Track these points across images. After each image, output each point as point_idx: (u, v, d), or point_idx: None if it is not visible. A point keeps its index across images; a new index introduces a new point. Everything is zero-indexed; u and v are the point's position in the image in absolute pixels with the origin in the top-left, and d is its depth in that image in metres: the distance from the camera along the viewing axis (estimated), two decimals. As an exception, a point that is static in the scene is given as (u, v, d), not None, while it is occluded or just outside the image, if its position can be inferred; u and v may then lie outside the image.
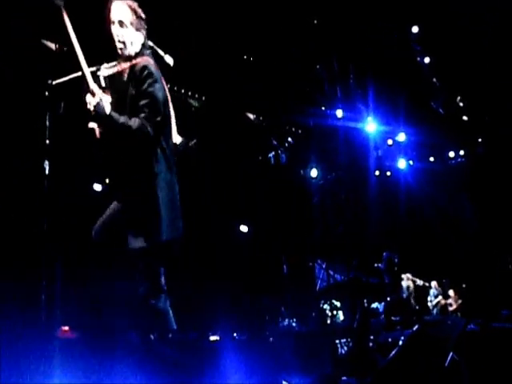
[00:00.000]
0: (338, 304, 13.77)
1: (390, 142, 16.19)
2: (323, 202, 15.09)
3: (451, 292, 15.50)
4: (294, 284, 13.12)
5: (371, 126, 15.06)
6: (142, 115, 4.53)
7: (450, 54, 13.30)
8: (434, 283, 15.72)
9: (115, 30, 4.63)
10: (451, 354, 5.85)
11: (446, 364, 5.81)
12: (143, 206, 4.60)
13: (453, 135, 15.99)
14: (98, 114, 4.48)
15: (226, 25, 10.57)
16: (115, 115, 4.52)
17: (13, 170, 7.88)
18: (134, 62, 4.68)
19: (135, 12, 4.69)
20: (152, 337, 4.12)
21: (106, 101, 4.53)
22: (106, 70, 4.75)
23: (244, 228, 12.92)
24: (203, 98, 12.13)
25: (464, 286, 15.69)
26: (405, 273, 14.93)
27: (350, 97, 14.36)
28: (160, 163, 4.70)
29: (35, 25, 7.83)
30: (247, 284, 11.21)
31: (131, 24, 4.66)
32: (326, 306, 13.62)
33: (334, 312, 13.63)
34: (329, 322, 13.39)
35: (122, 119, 4.51)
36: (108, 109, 4.52)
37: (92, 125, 4.67)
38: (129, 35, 4.67)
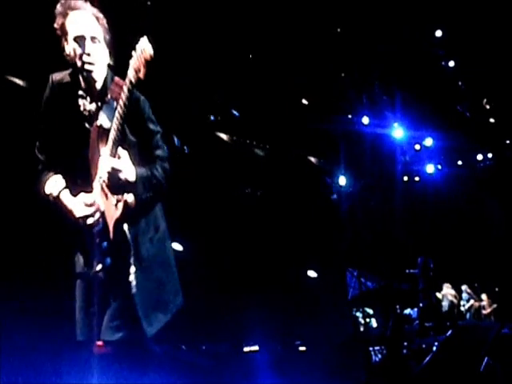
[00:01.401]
0: (370, 311, 13.75)
1: (417, 147, 16.15)
2: (352, 210, 15.06)
3: (484, 296, 15.40)
4: (326, 293, 13.11)
5: (398, 131, 15.03)
6: (159, 160, 3.77)
7: (475, 56, 13.25)
8: (464, 287, 15.65)
9: (85, 46, 3.66)
10: (486, 358, 5.84)
11: (482, 369, 5.78)
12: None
13: (480, 138, 15.90)
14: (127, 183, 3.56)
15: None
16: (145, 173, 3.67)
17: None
18: (115, 88, 3.66)
19: (104, 24, 3.82)
20: (184, 348, 4.06)
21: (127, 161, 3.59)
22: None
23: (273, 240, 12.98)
24: (267, 147, 12.34)
25: (497, 289, 15.59)
26: (445, 282, 14.96)
27: (376, 103, 14.36)
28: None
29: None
30: (279, 295, 11.23)
31: (104, 39, 3.77)
32: (358, 314, 13.61)
33: (367, 319, 13.61)
34: (362, 329, 13.37)
35: (151, 173, 3.69)
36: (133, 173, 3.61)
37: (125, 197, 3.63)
38: (102, 53, 3.76)
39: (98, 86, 3.77)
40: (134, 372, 3.54)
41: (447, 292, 15.25)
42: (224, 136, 11.83)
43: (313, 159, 13.53)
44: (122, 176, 3.50)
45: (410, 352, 9.73)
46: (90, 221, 3.59)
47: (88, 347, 3.48)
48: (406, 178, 16.86)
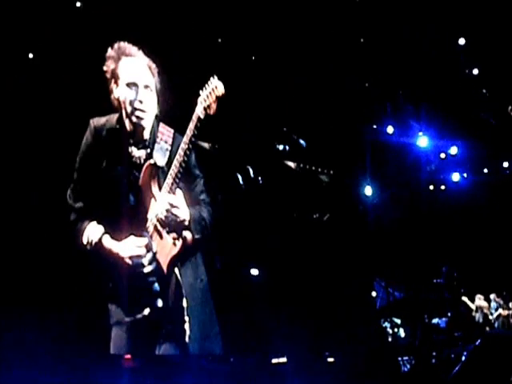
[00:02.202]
0: (398, 321, 13.69)
1: (442, 155, 16.09)
2: (378, 220, 15.02)
3: (512, 305, 15.28)
4: (354, 303, 13.08)
5: (423, 140, 14.99)
6: (204, 204, 3.84)
7: (499, 63, 13.21)
8: (493, 296, 15.53)
9: (138, 93, 3.62)
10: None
11: (511, 379, 5.76)
12: None
13: (506, 146, 15.81)
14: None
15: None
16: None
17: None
18: (164, 131, 3.75)
19: (156, 73, 3.83)
20: (206, 361, 4.02)
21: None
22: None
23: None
24: (331, 172, 12.58)
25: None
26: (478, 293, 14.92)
27: (401, 112, 14.35)
28: None
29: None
30: (308, 306, 11.24)
31: (155, 88, 3.78)
32: (386, 324, 13.55)
33: (395, 329, 13.55)
34: (390, 339, 13.31)
35: (200, 215, 3.74)
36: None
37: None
38: (153, 101, 3.76)
39: (146, 133, 3.78)
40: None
41: (481, 304, 15.17)
42: (292, 164, 12.25)
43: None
44: (179, 213, 3.54)
45: (439, 362, 9.69)
46: (144, 261, 3.53)
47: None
48: (431, 187, 16.79)
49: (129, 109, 3.64)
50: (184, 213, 3.56)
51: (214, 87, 3.45)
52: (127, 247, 3.59)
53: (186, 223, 3.58)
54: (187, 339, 3.52)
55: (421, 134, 14.92)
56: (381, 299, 14.64)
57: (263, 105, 10.52)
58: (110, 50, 3.74)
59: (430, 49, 12.58)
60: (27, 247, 7.05)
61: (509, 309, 15.29)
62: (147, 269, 3.50)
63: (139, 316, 3.48)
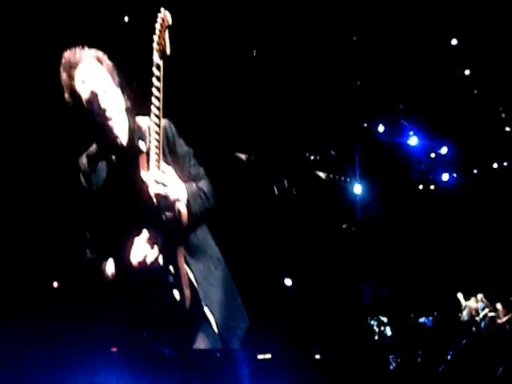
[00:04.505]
0: (385, 320, 13.73)
1: (432, 155, 16.14)
2: (366, 218, 15.06)
3: (499, 305, 15.34)
4: (340, 301, 13.13)
5: (413, 140, 15.05)
6: (198, 178, 3.53)
7: (490, 65, 13.26)
8: (480, 296, 15.61)
9: (99, 102, 3.29)
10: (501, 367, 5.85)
11: (496, 377, 5.80)
12: None
13: (496, 147, 15.88)
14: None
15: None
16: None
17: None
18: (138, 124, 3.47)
19: (108, 64, 3.44)
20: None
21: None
22: None
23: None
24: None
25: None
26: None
27: (392, 111, 14.40)
28: None
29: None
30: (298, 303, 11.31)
31: (114, 82, 3.40)
32: (373, 322, 13.59)
33: (382, 328, 13.59)
34: (376, 338, 13.35)
35: (197, 187, 3.44)
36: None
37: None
38: (116, 101, 3.38)
39: (124, 138, 3.45)
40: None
41: (471, 305, 15.26)
42: (322, 174, 12.52)
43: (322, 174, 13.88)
44: (169, 191, 3.23)
45: (425, 360, 9.74)
46: (148, 259, 3.28)
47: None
48: (421, 187, 16.86)
49: (99, 125, 3.34)
50: (175, 190, 3.26)
51: (161, 21, 3.08)
52: (134, 252, 3.32)
53: (182, 201, 3.30)
54: (214, 327, 3.37)
55: (411, 133, 14.98)
56: (368, 297, 14.70)
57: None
58: (62, 73, 3.35)
59: (422, 49, 12.62)
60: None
61: (495, 309, 15.37)
62: (157, 263, 3.34)
63: (162, 313, 3.34)
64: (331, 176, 13.11)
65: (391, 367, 10.33)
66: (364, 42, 11.83)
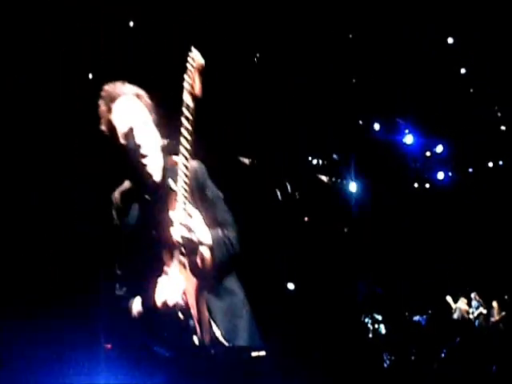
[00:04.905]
0: (379, 317, 13.75)
1: (428, 153, 16.18)
2: (362, 216, 15.08)
3: (494, 303, 15.39)
4: (335, 299, 13.15)
5: (409, 138, 15.08)
6: (226, 224, 3.43)
7: (487, 63, 13.28)
8: (474, 294, 15.66)
9: (135, 138, 3.29)
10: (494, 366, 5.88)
11: (489, 376, 5.82)
12: None
13: (491, 146, 15.91)
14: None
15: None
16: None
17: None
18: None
19: (147, 101, 3.42)
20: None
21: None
22: None
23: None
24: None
25: (506, 297, 15.58)
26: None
27: (388, 109, 14.40)
28: None
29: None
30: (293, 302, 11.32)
31: (151, 119, 3.39)
32: (367, 320, 13.61)
33: (376, 325, 13.61)
34: (371, 335, 13.37)
35: (223, 234, 3.37)
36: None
37: None
38: (152, 137, 3.36)
39: (158, 176, 3.39)
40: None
41: (461, 307, 15.32)
42: (324, 178, 12.65)
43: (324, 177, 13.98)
44: (194, 236, 3.17)
45: (419, 358, 9.77)
46: (170, 301, 3.19)
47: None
48: (416, 185, 16.90)
49: (133, 160, 3.30)
50: (201, 235, 3.22)
51: (192, 61, 3.07)
52: (160, 293, 3.23)
53: (206, 246, 3.25)
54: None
55: (407, 131, 15.01)
56: (362, 295, 14.72)
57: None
58: (101, 104, 3.35)
59: (418, 48, 12.64)
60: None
61: (489, 308, 15.42)
62: (178, 309, 3.26)
63: (182, 357, 3.24)
64: (333, 179, 13.28)
65: (385, 365, 10.35)
66: (360, 40, 11.84)
